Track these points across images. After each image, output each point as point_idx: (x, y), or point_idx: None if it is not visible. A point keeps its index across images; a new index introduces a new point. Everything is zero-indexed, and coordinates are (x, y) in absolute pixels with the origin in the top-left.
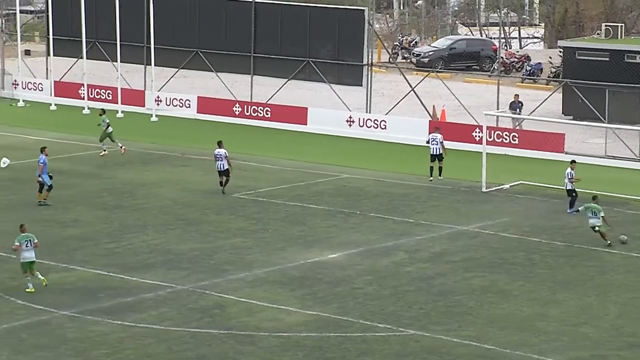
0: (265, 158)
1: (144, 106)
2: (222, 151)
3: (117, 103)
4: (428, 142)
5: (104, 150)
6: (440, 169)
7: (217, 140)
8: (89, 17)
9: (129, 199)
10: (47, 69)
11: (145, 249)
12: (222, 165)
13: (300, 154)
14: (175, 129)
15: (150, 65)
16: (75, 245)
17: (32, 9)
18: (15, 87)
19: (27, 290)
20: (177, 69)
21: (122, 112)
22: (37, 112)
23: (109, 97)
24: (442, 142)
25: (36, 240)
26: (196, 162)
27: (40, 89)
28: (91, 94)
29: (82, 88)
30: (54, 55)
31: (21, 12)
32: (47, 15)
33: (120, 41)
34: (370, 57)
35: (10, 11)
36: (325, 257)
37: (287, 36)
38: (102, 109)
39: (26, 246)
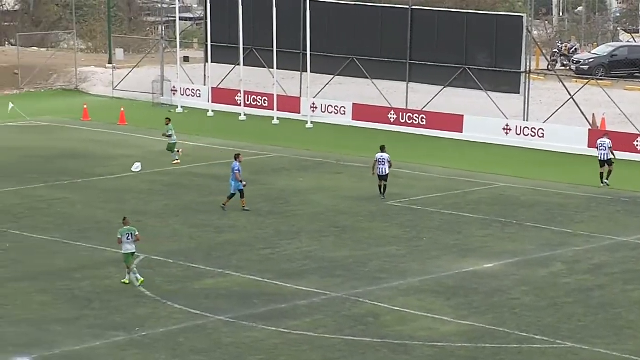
0: (420, 166)
1: (299, 113)
2: (385, 155)
3: (273, 110)
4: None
5: (177, 157)
6: (609, 172)
7: (380, 145)
8: (247, 24)
9: (283, 205)
10: (205, 75)
11: (300, 256)
12: (383, 170)
13: (455, 162)
14: (330, 136)
15: (306, 71)
16: (231, 251)
17: (191, 16)
18: (174, 94)
19: (122, 281)
20: (332, 76)
21: (278, 118)
22: (195, 118)
23: (265, 103)
24: (611, 147)
25: (137, 233)
26: (351, 169)
27: (198, 95)
28: (248, 101)
29: (239, 94)
30: (211, 62)
31: (180, 19)
32: (206, 23)
33: (277, 48)
34: (528, 64)
35: (170, 19)
36: (481, 267)
37: (444, 43)
38: (167, 118)
39: (127, 238)
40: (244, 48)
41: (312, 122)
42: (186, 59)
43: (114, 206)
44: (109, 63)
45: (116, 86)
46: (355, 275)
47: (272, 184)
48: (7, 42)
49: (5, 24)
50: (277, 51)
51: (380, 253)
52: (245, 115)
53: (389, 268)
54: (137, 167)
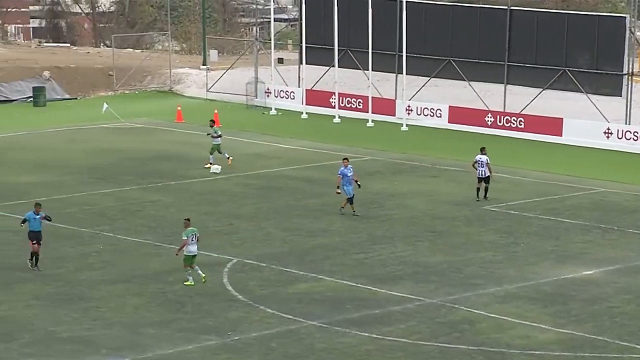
0: (517, 170)
1: (394, 115)
2: (484, 157)
3: (367, 112)
4: None
5: (229, 157)
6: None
7: (481, 147)
8: (342, 25)
9: (377, 209)
10: (299, 77)
11: (394, 261)
12: (483, 172)
13: (554, 166)
14: (425, 138)
15: (402, 73)
16: (324, 255)
17: (286, 17)
18: (268, 95)
19: (185, 283)
20: (428, 78)
21: (373, 121)
22: (289, 120)
23: (359, 105)
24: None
25: (198, 235)
26: (446, 172)
27: (292, 97)
28: (342, 103)
29: (333, 96)
30: (306, 64)
31: (275, 20)
32: (301, 24)
33: (372, 49)
34: (630, 66)
35: (265, 20)
36: (580, 274)
37: (543, 44)
38: (211, 120)
39: (192, 240)
40: (338, 49)
41: (407, 125)
42: (280, 61)
43: (207, 209)
44: (203, 64)
45: (210, 88)
46: (450, 281)
47: (367, 187)
48: (102, 44)
49: (101, 25)
50: (372, 52)
51: (476, 259)
52: (339, 117)
53: (485, 274)
54: (216, 168)
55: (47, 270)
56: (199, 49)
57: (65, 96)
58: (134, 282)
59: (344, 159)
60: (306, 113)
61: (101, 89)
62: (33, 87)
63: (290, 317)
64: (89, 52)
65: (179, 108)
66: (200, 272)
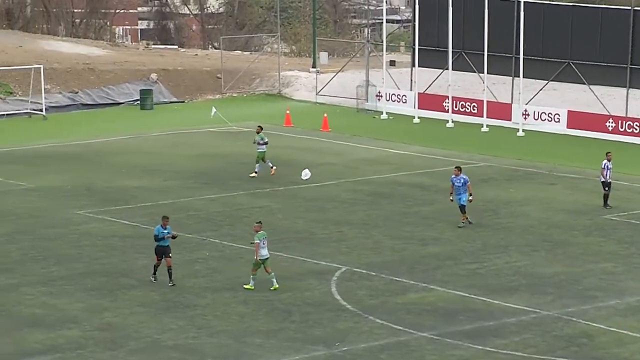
0: (639, 178)
1: (510, 120)
2: (609, 164)
3: (482, 116)
4: None
5: (272, 167)
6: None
7: (606, 151)
8: (456, 26)
9: (492, 217)
10: (411, 80)
11: (508, 271)
12: (607, 177)
13: None
14: (543, 144)
15: (519, 76)
16: (435, 264)
17: (399, 18)
18: (379, 99)
19: (245, 286)
20: (546, 81)
21: (487, 126)
22: (400, 124)
23: (474, 110)
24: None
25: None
26: (565, 179)
27: (404, 101)
28: (455, 107)
29: (447, 100)
30: (418, 66)
31: (387, 22)
32: (414, 25)
33: (487, 51)
34: None
35: (377, 21)
36: None
37: None
38: (259, 126)
39: (262, 244)
40: (452, 51)
41: (523, 130)
42: (392, 63)
43: (315, 216)
44: (312, 67)
45: (319, 91)
46: (567, 292)
47: (481, 194)
48: (210, 46)
49: (209, 26)
50: (487, 55)
51: (595, 270)
52: (452, 122)
53: (605, 286)
54: (306, 174)
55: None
56: (308, 51)
57: (172, 99)
58: (240, 290)
59: (456, 167)
60: (418, 117)
61: (209, 92)
62: (140, 90)
63: (400, 328)
64: (196, 54)
65: (288, 112)
66: (274, 280)
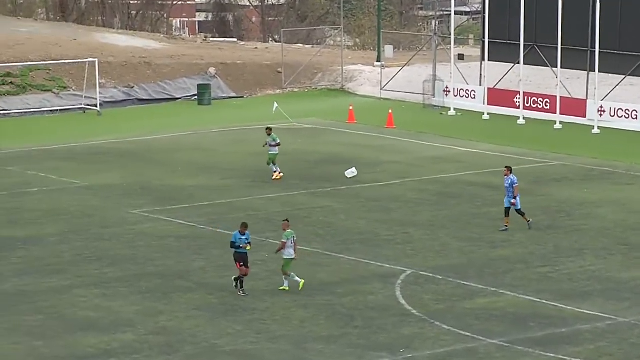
0: None
1: (584, 117)
2: None
3: (555, 113)
4: None
5: (278, 172)
6: None
7: None
8: (528, 18)
9: (565, 219)
10: (480, 74)
11: (582, 275)
12: None
13: None
14: (619, 142)
15: (594, 71)
16: (505, 268)
17: (468, 10)
18: (447, 95)
19: (280, 288)
20: (623, 76)
21: (561, 122)
22: (469, 121)
23: (546, 106)
24: None
25: (296, 238)
26: None
27: (473, 96)
28: (527, 103)
29: (518, 96)
30: (488, 60)
31: (456, 13)
32: (483, 17)
33: (561, 45)
34: None
35: (445, 13)
36: None
37: None
38: (268, 128)
39: (290, 243)
40: (524, 45)
41: (599, 127)
42: (461, 57)
43: (379, 216)
44: (377, 61)
45: (384, 86)
46: None
47: (553, 195)
48: (270, 39)
49: (270, 19)
50: (561, 48)
51: None
52: (524, 118)
53: None
54: (352, 172)
55: (210, 279)
56: (373, 44)
57: (231, 94)
58: (300, 294)
59: (506, 167)
60: (488, 114)
61: (269, 87)
62: (198, 85)
63: (467, 334)
64: (256, 48)
65: (351, 107)
66: (297, 278)
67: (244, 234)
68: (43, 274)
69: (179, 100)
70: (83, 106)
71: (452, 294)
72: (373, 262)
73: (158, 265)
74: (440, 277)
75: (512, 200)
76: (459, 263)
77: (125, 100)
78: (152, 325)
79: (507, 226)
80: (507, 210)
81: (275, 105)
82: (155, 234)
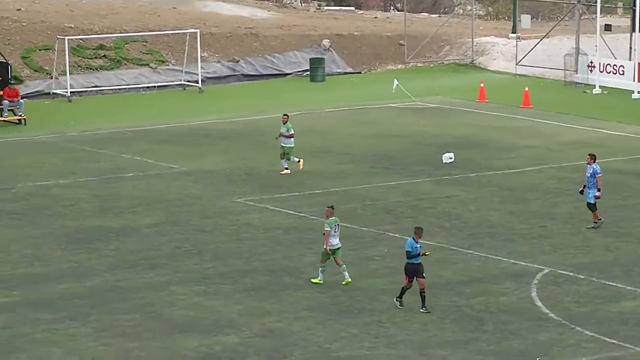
0: None
1: None
2: None
3: None
4: None
5: (287, 165)
6: None
7: None
8: None
9: None
10: (630, 47)
11: None
12: None
13: None
14: None
15: None
16: None
17: None
18: (591, 70)
19: (313, 280)
20: None
21: None
22: (616, 100)
23: None
24: None
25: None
26: None
27: (621, 72)
28: None
29: None
30: (639, 32)
31: None
32: None
33: None
34: None
35: None
36: None
37: None
38: (285, 115)
39: (334, 231)
40: None
41: None
42: (608, 28)
43: (513, 207)
44: (512, 32)
45: (520, 60)
46: None
47: None
48: (392, 7)
49: None
50: None
51: None
52: None
53: None
54: (449, 157)
55: (323, 276)
56: (507, 14)
57: (347, 70)
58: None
59: (589, 154)
60: (638, 92)
61: (389, 61)
62: (310, 59)
63: (613, 341)
64: (376, 17)
65: (482, 85)
66: (346, 273)
67: (417, 242)
68: (138, 269)
69: (289, 76)
70: (183, 82)
71: (596, 295)
72: (506, 259)
73: (264, 260)
74: (583, 277)
75: (597, 193)
76: (603, 261)
77: (229, 75)
78: (257, 327)
79: (599, 220)
80: (592, 205)
81: (396, 82)
82: (262, 225)
